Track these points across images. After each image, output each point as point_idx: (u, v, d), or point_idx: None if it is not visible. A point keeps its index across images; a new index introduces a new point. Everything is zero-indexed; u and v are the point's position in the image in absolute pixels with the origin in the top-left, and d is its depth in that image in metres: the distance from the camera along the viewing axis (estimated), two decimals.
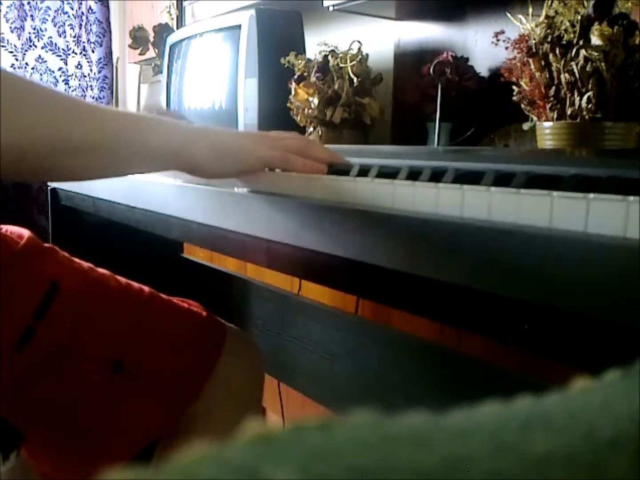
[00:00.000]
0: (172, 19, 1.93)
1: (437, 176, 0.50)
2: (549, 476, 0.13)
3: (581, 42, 0.69)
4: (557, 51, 0.71)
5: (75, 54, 2.32)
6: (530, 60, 0.74)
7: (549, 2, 0.73)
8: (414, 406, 0.15)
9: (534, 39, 0.73)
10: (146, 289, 0.88)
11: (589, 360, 0.36)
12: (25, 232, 0.83)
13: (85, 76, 2.35)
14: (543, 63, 0.73)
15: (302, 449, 0.13)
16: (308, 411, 1.49)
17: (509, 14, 0.84)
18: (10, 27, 2.20)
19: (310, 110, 1.11)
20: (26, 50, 2.24)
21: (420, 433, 0.14)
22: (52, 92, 0.54)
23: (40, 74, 2.27)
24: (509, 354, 0.98)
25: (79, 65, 2.34)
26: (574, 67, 0.70)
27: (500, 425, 0.14)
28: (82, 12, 2.30)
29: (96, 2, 2.30)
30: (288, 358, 1.35)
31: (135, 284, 0.88)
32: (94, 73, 2.35)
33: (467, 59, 1.06)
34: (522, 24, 0.76)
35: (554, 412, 0.15)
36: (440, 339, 1.17)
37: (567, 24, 0.70)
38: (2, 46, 2.18)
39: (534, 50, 0.73)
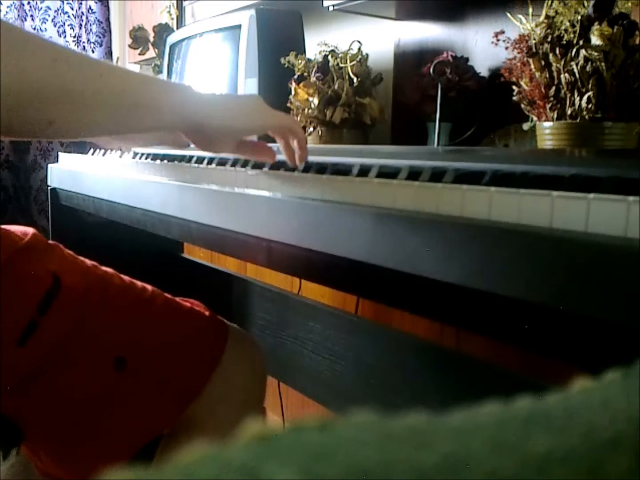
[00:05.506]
0: (172, 19, 1.93)
1: (437, 176, 0.50)
2: (549, 476, 0.13)
3: (581, 42, 0.69)
4: (557, 51, 0.71)
5: None
6: (530, 60, 0.74)
7: (549, 2, 0.73)
8: (414, 406, 0.15)
9: (534, 39, 0.73)
10: (149, 287, 0.89)
11: (589, 360, 0.36)
12: (30, 230, 0.83)
13: None
14: (543, 63, 0.73)
15: (302, 449, 0.13)
16: (308, 411, 1.49)
17: (509, 14, 0.84)
18: None
19: (310, 110, 1.11)
20: None
21: (420, 433, 0.14)
22: (52, 42, 0.55)
23: None
24: (509, 354, 0.98)
25: None
26: (574, 67, 0.70)
27: (500, 425, 0.14)
28: (82, 12, 2.30)
29: (96, 2, 2.30)
30: (288, 358, 1.35)
31: (139, 282, 0.88)
32: None
33: (467, 59, 1.06)
34: (522, 24, 0.76)
35: (554, 412, 0.15)
36: (440, 339, 1.17)
37: (567, 24, 0.70)
38: None
39: (534, 50, 0.73)
